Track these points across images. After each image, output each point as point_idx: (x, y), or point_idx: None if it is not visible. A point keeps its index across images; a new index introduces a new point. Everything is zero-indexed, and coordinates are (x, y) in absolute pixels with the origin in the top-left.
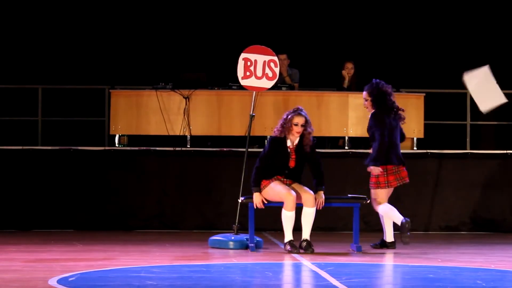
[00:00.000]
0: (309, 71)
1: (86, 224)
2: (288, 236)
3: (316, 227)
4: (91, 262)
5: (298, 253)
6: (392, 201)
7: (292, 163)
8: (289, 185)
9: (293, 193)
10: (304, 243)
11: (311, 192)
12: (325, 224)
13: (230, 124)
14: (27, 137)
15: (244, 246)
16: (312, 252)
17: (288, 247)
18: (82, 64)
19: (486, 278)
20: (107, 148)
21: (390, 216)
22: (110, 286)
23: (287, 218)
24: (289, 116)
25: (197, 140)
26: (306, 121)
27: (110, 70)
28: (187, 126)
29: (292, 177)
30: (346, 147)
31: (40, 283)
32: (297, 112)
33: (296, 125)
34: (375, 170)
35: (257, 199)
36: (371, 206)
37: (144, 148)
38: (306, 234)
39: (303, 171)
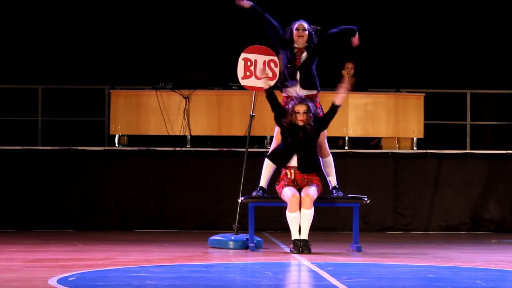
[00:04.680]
0: None
1: (85, 224)
2: (293, 235)
3: (316, 227)
4: (91, 262)
5: (299, 253)
6: (392, 201)
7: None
8: (303, 179)
9: (297, 194)
10: (301, 243)
11: (310, 193)
12: (325, 224)
13: (230, 124)
14: (27, 137)
15: (244, 246)
16: (309, 253)
17: (290, 246)
18: (82, 64)
19: (486, 278)
20: (107, 148)
21: None
22: (110, 286)
23: (290, 218)
24: (290, 105)
25: (197, 140)
26: (308, 109)
27: (110, 70)
28: (187, 126)
29: (305, 162)
30: (346, 147)
31: (40, 283)
32: (299, 100)
33: (298, 113)
34: None
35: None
36: (371, 206)
37: (144, 148)
38: (303, 234)
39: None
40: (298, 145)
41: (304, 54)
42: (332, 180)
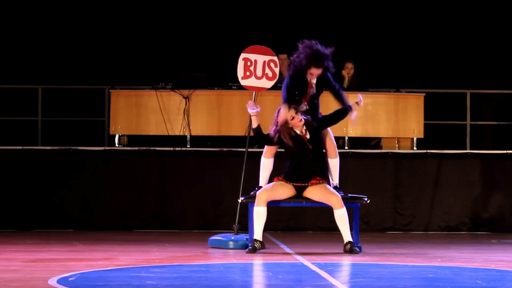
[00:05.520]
0: None
1: (85, 224)
2: (255, 234)
3: (316, 227)
4: (91, 262)
5: (253, 252)
6: (392, 201)
7: (310, 146)
8: (312, 184)
9: (272, 194)
10: (348, 246)
11: (337, 193)
12: (325, 224)
13: (230, 124)
14: (27, 137)
15: (244, 246)
16: (358, 253)
17: (248, 248)
18: (82, 64)
19: (486, 278)
20: (107, 148)
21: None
22: (110, 286)
23: (255, 213)
24: (276, 115)
25: (197, 140)
26: (297, 109)
27: (110, 70)
28: (187, 126)
29: (316, 165)
30: (346, 147)
31: (40, 283)
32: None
33: (292, 119)
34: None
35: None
36: (371, 206)
37: (144, 148)
38: (346, 236)
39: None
40: (310, 159)
41: (313, 89)
42: (335, 180)
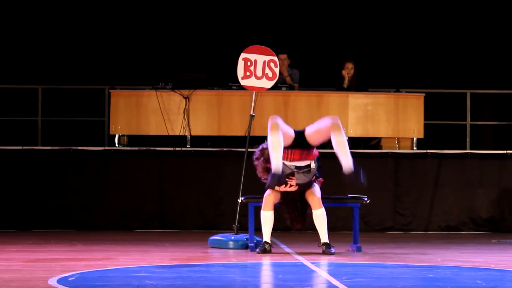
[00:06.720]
0: (309, 71)
1: (85, 224)
2: (264, 237)
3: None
4: (91, 262)
5: (264, 253)
6: (392, 201)
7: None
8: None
9: (276, 195)
10: (323, 247)
11: (316, 193)
12: None
13: (230, 124)
14: (27, 137)
15: (244, 246)
16: (332, 254)
17: (258, 248)
18: (82, 64)
19: (486, 278)
20: (107, 148)
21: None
22: (110, 286)
23: (262, 217)
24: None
25: (197, 140)
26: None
27: (110, 70)
28: (187, 126)
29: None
30: None
31: (40, 283)
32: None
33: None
34: None
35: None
36: (371, 206)
37: (144, 148)
38: (323, 237)
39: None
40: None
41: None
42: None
